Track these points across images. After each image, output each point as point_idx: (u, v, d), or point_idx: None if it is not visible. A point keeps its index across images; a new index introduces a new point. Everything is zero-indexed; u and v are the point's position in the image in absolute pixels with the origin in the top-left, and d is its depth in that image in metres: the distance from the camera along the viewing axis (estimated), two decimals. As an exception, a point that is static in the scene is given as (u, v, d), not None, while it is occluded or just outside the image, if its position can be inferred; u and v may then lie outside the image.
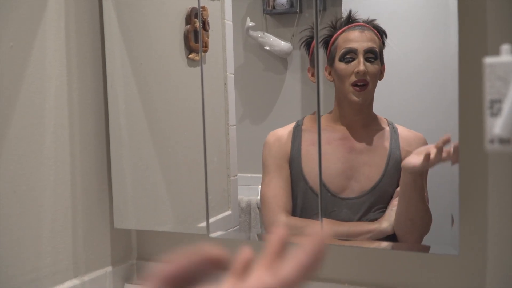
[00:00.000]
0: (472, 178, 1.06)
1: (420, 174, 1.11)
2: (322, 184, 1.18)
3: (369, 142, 1.21)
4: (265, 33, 1.33)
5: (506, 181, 1.02)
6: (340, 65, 1.19)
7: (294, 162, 1.25)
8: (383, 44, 1.18)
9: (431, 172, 1.12)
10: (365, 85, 1.17)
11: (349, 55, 1.18)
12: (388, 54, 1.16)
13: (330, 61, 1.21)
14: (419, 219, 1.13)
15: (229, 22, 1.33)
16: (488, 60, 0.58)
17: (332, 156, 1.20)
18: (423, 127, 1.14)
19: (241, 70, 1.35)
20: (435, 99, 1.13)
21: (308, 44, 1.26)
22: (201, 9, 1.27)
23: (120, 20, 1.31)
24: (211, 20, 1.30)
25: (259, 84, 1.36)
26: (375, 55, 1.17)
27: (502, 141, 0.57)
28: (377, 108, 1.18)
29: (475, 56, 1.00)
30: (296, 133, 1.26)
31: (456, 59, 1.01)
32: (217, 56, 1.33)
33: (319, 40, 1.22)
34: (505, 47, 0.59)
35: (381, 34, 1.18)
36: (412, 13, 1.16)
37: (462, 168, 1.04)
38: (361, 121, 1.21)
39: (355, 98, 1.18)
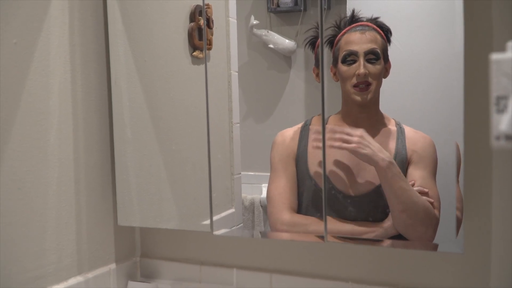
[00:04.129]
0: (477, 176, 1.06)
1: (388, 165, 1.12)
2: (326, 182, 1.18)
3: (375, 140, 1.20)
4: (269, 31, 1.32)
5: (510, 179, 1.02)
6: (342, 67, 1.20)
7: (300, 160, 1.25)
8: (389, 41, 1.18)
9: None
10: (367, 85, 1.18)
11: (350, 58, 1.18)
12: (393, 53, 1.15)
13: (335, 61, 1.22)
14: (413, 211, 1.12)
15: (233, 20, 1.33)
16: (495, 56, 0.58)
17: (337, 154, 1.20)
18: (428, 126, 1.14)
19: (245, 68, 1.35)
20: (440, 97, 1.13)
21: (312, 44, 1.26)
22: (205, 7, 1.27)
23: (124, 17, 1.31)
24: (215, 18, 1.30)
25: (263, 82, 1.36)
26: (376, 56, 1.17)
27: (508, 137, 0.57)
28: (383, 107, 1.18)
29: (480, 54, 1.00)
30: (304, 133, 1.27)
31: (461, 58, 1.01)
32: (221, 54, 1.33)
33: (324, 41, 1.23)
34: (511, 44, 0.58)
35: (386, 32, 1.18)
36: (417, 12, 1.16)
37: (467, 166, 1.04)
38: (367, 120, 1.20)
39: (357, 99, 1.19)
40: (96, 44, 1.30)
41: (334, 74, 1.21)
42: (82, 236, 1.26)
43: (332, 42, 1.23)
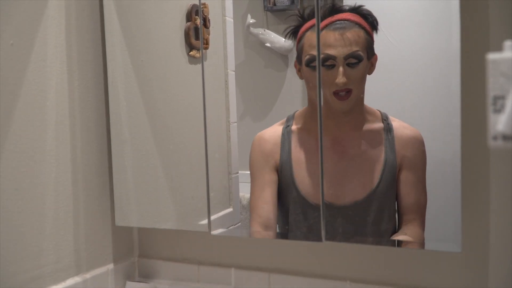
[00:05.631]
0: (474, 175, 1.05)
1: None
2: (307, 196, 1.13)
3: (362, 146, 1.14)
4: (266, 30, 1.32)
5: (508, 178, 1.02)
6: (309, 71, 1.10)
7: (284, 169, 1.19)
8: (375, 30, 1.10)
9: (433, 168, 1.12)
10: (348, 92, 1.10)
11: (328, 62, 1.09)
12: (390, 51, 1.14)
13: (298, 58, 1.13)
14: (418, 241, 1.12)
15: (230, 19, 1.33)
16: (491, 56, 0.58)
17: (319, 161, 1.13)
18: (426, 125, 1.14)
19: (242, 67, 1.35)
20: (438, 96, 1.13)
21: (294, 33, 1.17)
22: (201, 6, 1.26)
23: (120, 17, 1.30)
24: (211, 17, 1.29)
25: (260, 81, 1.36)
26: (358, 59, 1.08)
27: (506, 137, 0.57)
28: (380, 106, 1.17)
29: (477, 53, 1.00)
30: (286, 136, 1.20)
31: (458, 56, 1.01)
32: (218, 53, 1.32)
33: (288, 32, 1.16)
34: (508, 43, 0.58)
35: (371, 23, 1.10)
36: (415, 10, 1.16)
37: (464, 165, 1.04)
38: (351, 122, 1.14)
39: (336, 107, 1.11)
40: (93, 44, 1.30)
41: (299, 70, 1.15)
42: (80, 236, 1.26)
43: (295, 33, 1.14)
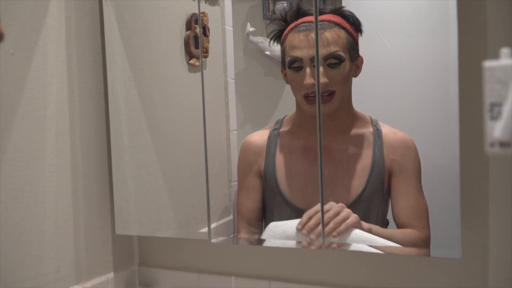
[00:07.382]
0: (474, 181, 1.06)
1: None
2: (292, 200, 1.11)
3: (349, 151, 1.12)
4: (266, 38, 1.33)
5: (507, 184, 1.02)
6: (290, 73, 1.09)
7: (268, 173, 1.18)
8: (360, 32, 1.08)
9: (432, 174, 1.12)
10: (331, 94, 1.08)
11: (296, 64, 1.09)
12: (388, 58, 1.14)
13: (283, 63, 1.13)
14: (408, 242, 1.08)
15: (229, 28, 1.34)
16: (488, 63, 0.58)
17: (303, 167, 1.13)
18: (424, 130, 1.14)
19: (242, 75, 1.35)
20: (435, 102, 1.13)
21: (278, 37, 1.16)
22: (201, 15, 1.27)
23: (120, 26, 1.31)
24: (211, 25, 1.30)
25: (259, 89, 1.36)
26: (339, 59, 1.06)
27: (503, 144, 0.57)
28: (378, 112, 1.17)
29: (475, 59, 1.00)
30: (272, 139, 1.19)
31: (456, 63, 1.01)
32: (218, 62, 1.33)
33: (272, 36, 1.16)
34: (504, 51, 0.59)
35: (353, 23, 1.08)
36: (413, 16, 1.16)
37: (463, 171, 1.04)
38: (337, 127, 1.12)
39: (308, 110, 1.10)
40: (93, 53, 1.30)
41: (285, 75, 1.14)
42: (80, 245, 1.26)
43: (279, 37, 1.13)
